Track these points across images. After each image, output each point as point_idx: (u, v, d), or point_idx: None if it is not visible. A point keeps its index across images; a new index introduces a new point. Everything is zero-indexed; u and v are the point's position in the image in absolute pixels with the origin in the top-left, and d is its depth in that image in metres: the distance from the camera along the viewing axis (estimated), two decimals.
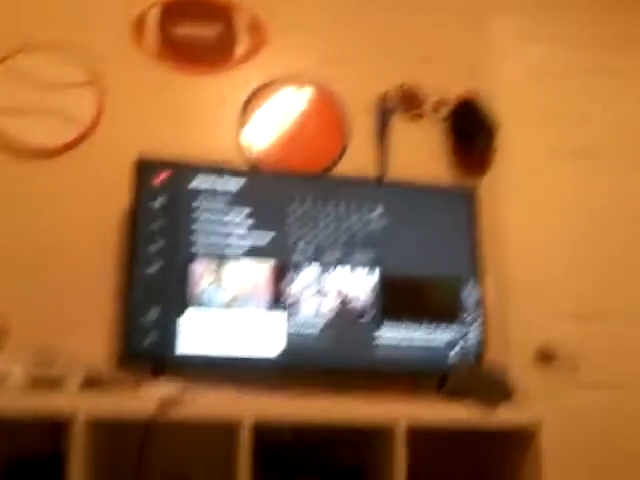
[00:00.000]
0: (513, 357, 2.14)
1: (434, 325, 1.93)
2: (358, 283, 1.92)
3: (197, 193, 1.90)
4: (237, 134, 2.15)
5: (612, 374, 2.21)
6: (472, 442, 1.93)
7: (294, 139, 2.18)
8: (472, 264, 2.02)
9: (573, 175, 2.37)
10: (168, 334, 1.79)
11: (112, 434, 1.76)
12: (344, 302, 1.90)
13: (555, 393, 2.12)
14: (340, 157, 2.19)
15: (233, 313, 1.83)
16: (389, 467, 1.58)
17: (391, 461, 1.57)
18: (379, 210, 1.99)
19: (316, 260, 1.91)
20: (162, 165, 1.90)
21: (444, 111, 2.31)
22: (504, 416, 1.64)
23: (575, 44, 2.47)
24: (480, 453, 1.94)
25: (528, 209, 2.31)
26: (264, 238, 1.89)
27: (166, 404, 1.45)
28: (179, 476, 1.81)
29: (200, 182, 1.91)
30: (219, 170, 1.94)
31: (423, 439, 1.61)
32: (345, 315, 1.89)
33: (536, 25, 2.46)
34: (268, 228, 1.90)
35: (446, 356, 1.92)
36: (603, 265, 2.30)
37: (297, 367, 1.87)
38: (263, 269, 1.87)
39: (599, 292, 2.27)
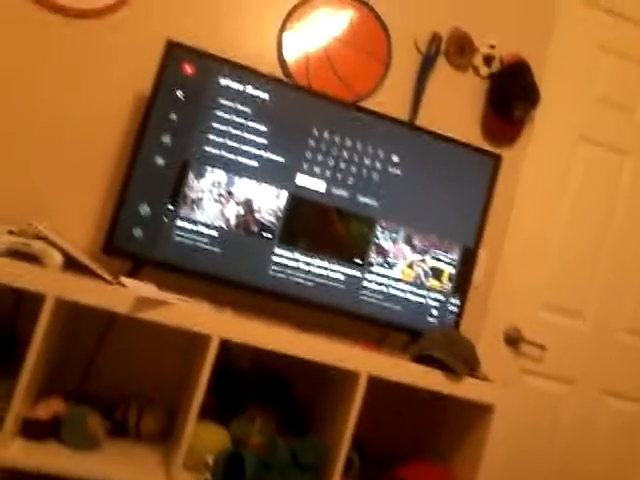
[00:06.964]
0: (484, 333, 2.20)
1: (419, 284, 1.94)
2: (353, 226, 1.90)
3: (223, 91, 1.81)
4: (276, 41, 2.04)
5: (568, 369, 2.28)
6: (425, 402, 2.01)
7: (332, 60, 2.07)
8: (476, 233, 1.98)
9: (599, 167, 2.32)
10: (155, 234, 1.75)
11: (79, 321, 1.78)
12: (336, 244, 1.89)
13: (514, 376, 2.20)
14: (374, 90, 2.11)
15: (225, 229, 1.80)
16: (343, 411, 1.62)
17: (347, 406, 1.60)
18: (399, 154, 1.94)
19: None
20: (193, 54, 1.80)
21: (491, 68, 2.21)
22: (463, 388, 1.65)
23: None
24: (431, 415, 2.03)
25: (540, 191, 2.27)
26: (278, 156, 1.84)
27: (140, 303, 1.44)
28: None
29: (228, 81, 1.81)
30: (252, 73, 1.83)
31: (379, 389, 1.66)
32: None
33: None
34: (284, 146, 1.84)
35: (424, 317, 1.94)
36: (589, 264, 2.32)
37: (284, 296, 1.83)
38: (264, 190, 1.83)
39: (578, 289, 2.29)
